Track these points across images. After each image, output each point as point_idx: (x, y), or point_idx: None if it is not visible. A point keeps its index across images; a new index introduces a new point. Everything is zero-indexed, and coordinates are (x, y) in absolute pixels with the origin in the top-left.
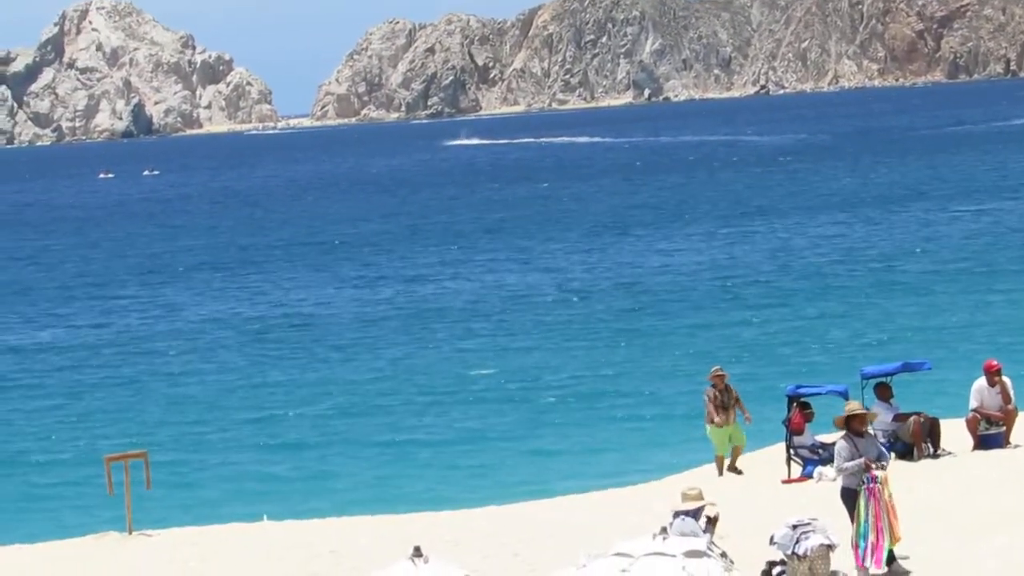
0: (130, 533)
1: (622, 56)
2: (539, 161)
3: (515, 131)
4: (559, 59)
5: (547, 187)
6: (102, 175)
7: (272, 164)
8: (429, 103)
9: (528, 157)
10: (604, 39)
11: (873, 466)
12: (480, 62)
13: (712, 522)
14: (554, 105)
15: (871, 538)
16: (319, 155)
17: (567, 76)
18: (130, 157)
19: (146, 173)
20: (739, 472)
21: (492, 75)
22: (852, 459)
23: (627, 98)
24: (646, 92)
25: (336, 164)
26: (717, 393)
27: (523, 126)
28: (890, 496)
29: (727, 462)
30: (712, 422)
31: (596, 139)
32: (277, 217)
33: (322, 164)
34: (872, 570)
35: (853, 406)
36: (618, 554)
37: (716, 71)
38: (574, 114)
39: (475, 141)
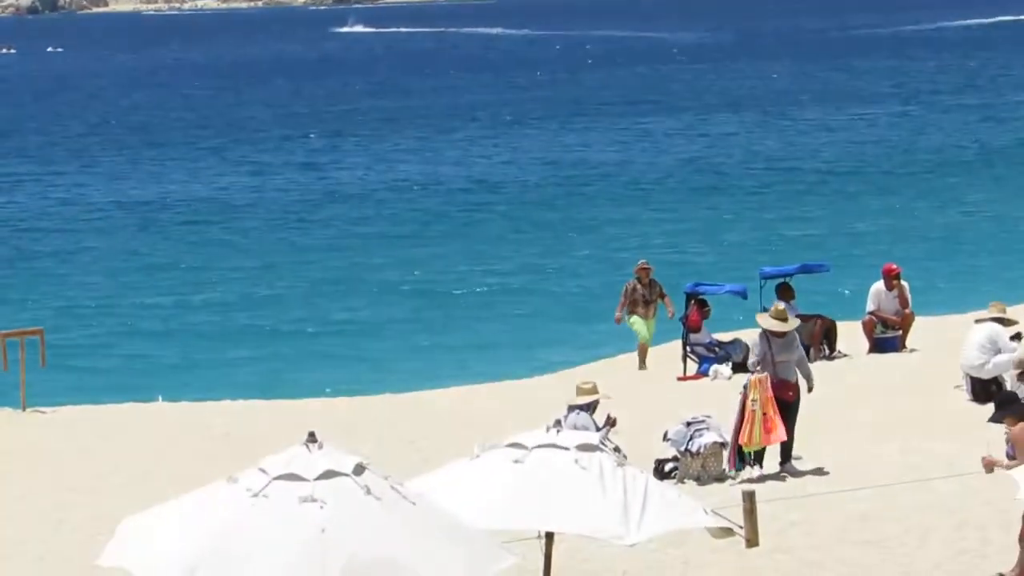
0: (24, 409)
1: None
2: (440, 52)
3: (409, 20)
4: None
5: (451, 76)
6: (3, 50)
7: (176, 46)
8: None
9: (429, 48)
10: None
11: (756, 369)
12: None
13: (610, 422)
14: None
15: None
16: (222, 38)
17: None
18: (35, 33)
19: (50, 50)
20: (644, 368)
21: None
22: (759, 358)
23: None
24: None
25: (239, 48)
26: (640, 287)
27: (418, 15)
28: (753, 402)
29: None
30: (633, 314)
31: (496, 31)
32: (178, 101)
33: (224, 47)
34: (733, 472)
35: (777, 313)
36: (511, 445)
37: None
38: (478, 5)
39: (364, 29)
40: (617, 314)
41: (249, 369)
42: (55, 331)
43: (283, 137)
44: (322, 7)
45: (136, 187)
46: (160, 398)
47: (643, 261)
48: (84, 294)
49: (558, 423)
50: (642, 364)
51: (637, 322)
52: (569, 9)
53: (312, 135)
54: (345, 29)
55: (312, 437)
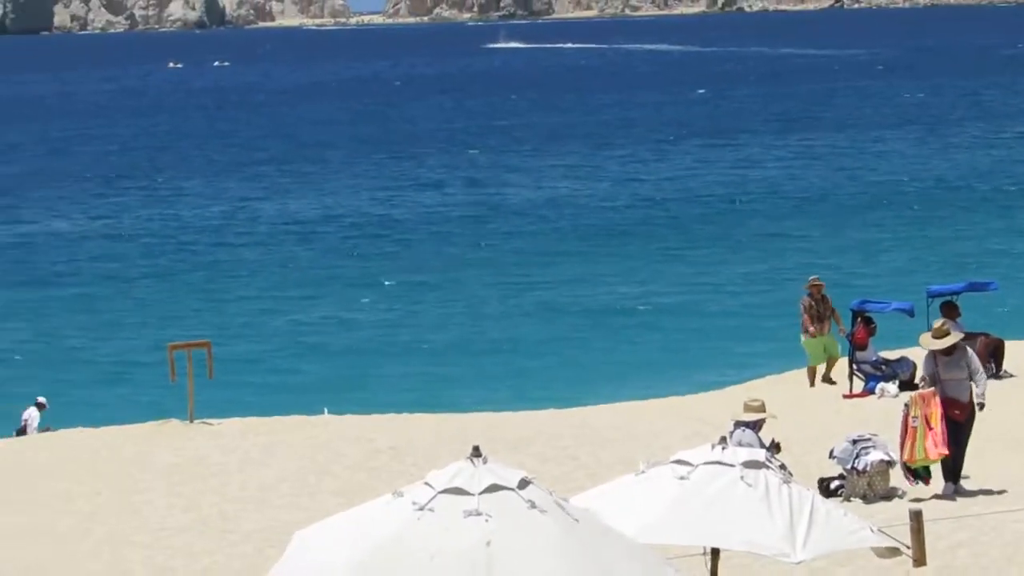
0: (191, 421)
1: None
2: (600, 68)
3: (562, 36)
4: None
5: (612, 93)
6: (170, 65)
7: (340, 61)
8: (502, 4)
9: (589, 64)
10: None
11: (922, 386)
12: None
13: (774, 447)
14: (627, 11)
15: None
16: (383, 53)
17: None
18: (201, 48)
19: (216, 64)
20: (832, 382)
21: None
22: (927, 376)
23: (701, 6)
24: (720, 1)
25: (401, 63)
26: (813, 303)
27: (572, 31)
28: (914, 419)
29: (820, 372)
30: (806, 331)
31: (662, 46)
32: (341, 115)
33: (385, 62)
34: (912, 487)
35: (936, 331)
36: (677, 462)
37: None
38: (639, 21)
39: (516, 44)
40: (811, 328)
41: (413, 383)
42: (222, 343)
43: (444, 152)
44: (481, 22)
45: (297, 201)
46: (326, 411)
47: (814, 277)
48: (249, 307)
49: (723, 440)
50: (812, 383)
51: (809, 343)
52: (730, 26)
53: (473, 151)
54: (498, 45)
55: (476, 451)
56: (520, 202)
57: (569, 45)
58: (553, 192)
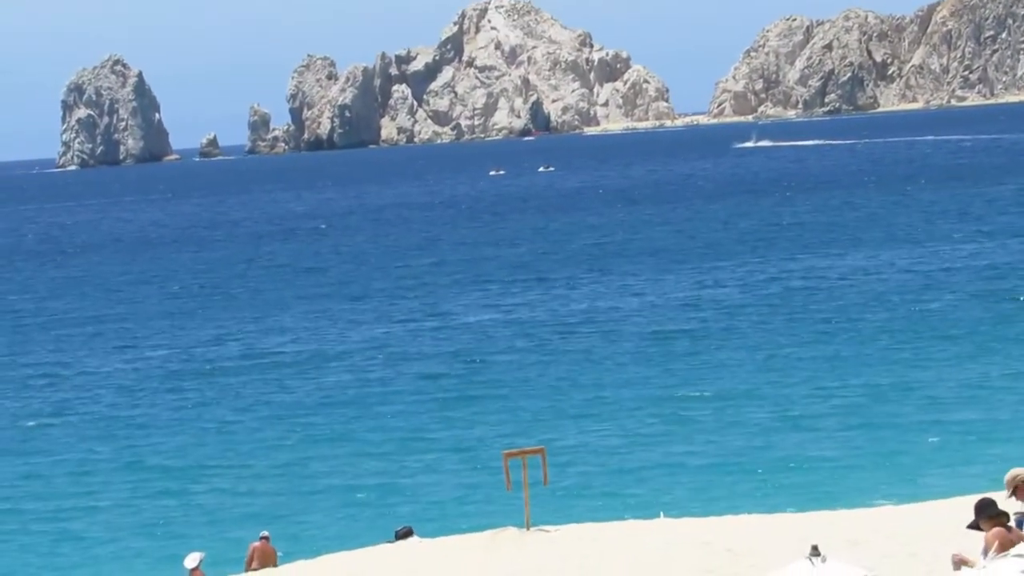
0: (528, 529)
1: (1022, 51)
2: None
3: (894, 129)
4: (958, 55)
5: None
6: (492, 173)
7: (655, 163)
8: (826, 100)
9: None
10: (1004, 34)
11: None
12: (878, 59)
13: None
14: (952, 102)
15: None
16: (698, 152)
17: (966, 72)
18: (526, 155)
19: (541, 170)
20: None
21: (890, 72)
22: None
23: None
24: None
25: (722, 161)
26: None
27: (913, 122)
28: None
29: None
30: None
31: (984, 136)
32: (645, 220)
33: (704, 161)
34: None
35: None
36: (1018, 555)
37: None
38: (962, 111)
39: (767, 143)
40: None
41: (746, 484)
42: (554, 449)
43: (748, 256)
44: (805, 118)
45: (609, 300)
46: (662, 514)
47: None
48: (581, 411)
49: None
50: None
51: None
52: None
53: (760, 254)
54: (749, 144)
55: (815, 550)
56: (818, 294)
57: (811, 142)
58: (873, 282)
